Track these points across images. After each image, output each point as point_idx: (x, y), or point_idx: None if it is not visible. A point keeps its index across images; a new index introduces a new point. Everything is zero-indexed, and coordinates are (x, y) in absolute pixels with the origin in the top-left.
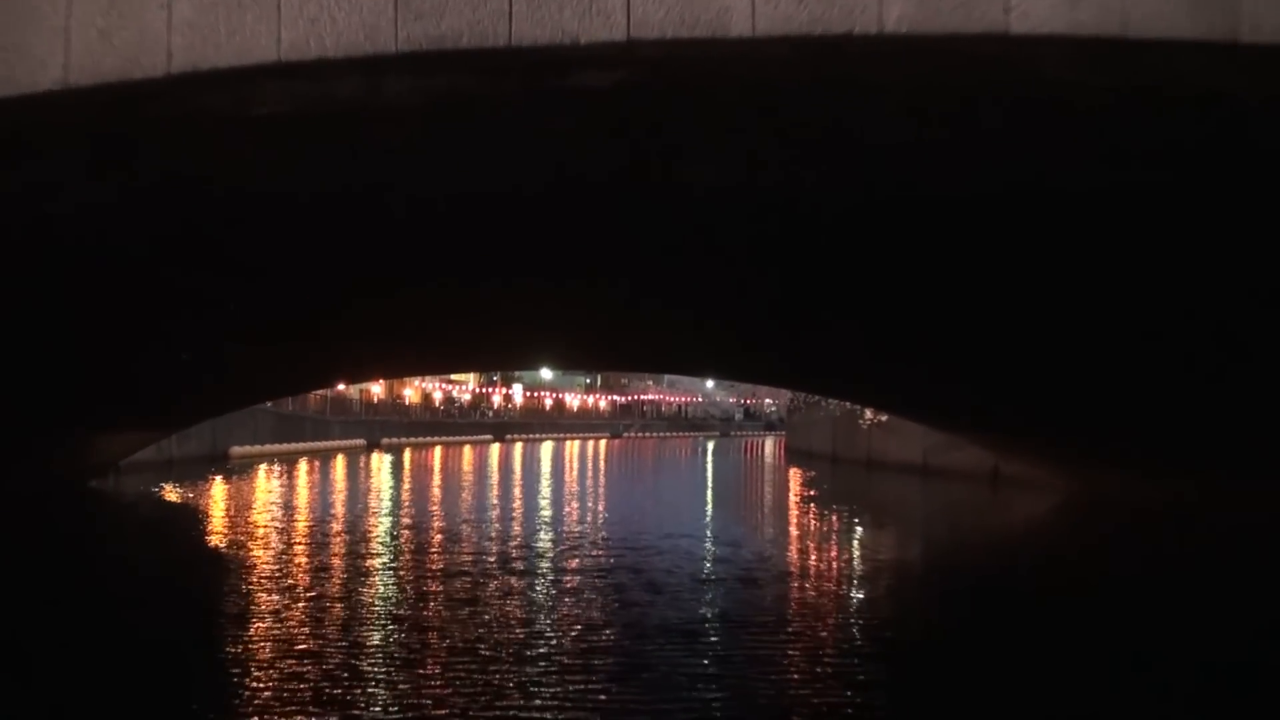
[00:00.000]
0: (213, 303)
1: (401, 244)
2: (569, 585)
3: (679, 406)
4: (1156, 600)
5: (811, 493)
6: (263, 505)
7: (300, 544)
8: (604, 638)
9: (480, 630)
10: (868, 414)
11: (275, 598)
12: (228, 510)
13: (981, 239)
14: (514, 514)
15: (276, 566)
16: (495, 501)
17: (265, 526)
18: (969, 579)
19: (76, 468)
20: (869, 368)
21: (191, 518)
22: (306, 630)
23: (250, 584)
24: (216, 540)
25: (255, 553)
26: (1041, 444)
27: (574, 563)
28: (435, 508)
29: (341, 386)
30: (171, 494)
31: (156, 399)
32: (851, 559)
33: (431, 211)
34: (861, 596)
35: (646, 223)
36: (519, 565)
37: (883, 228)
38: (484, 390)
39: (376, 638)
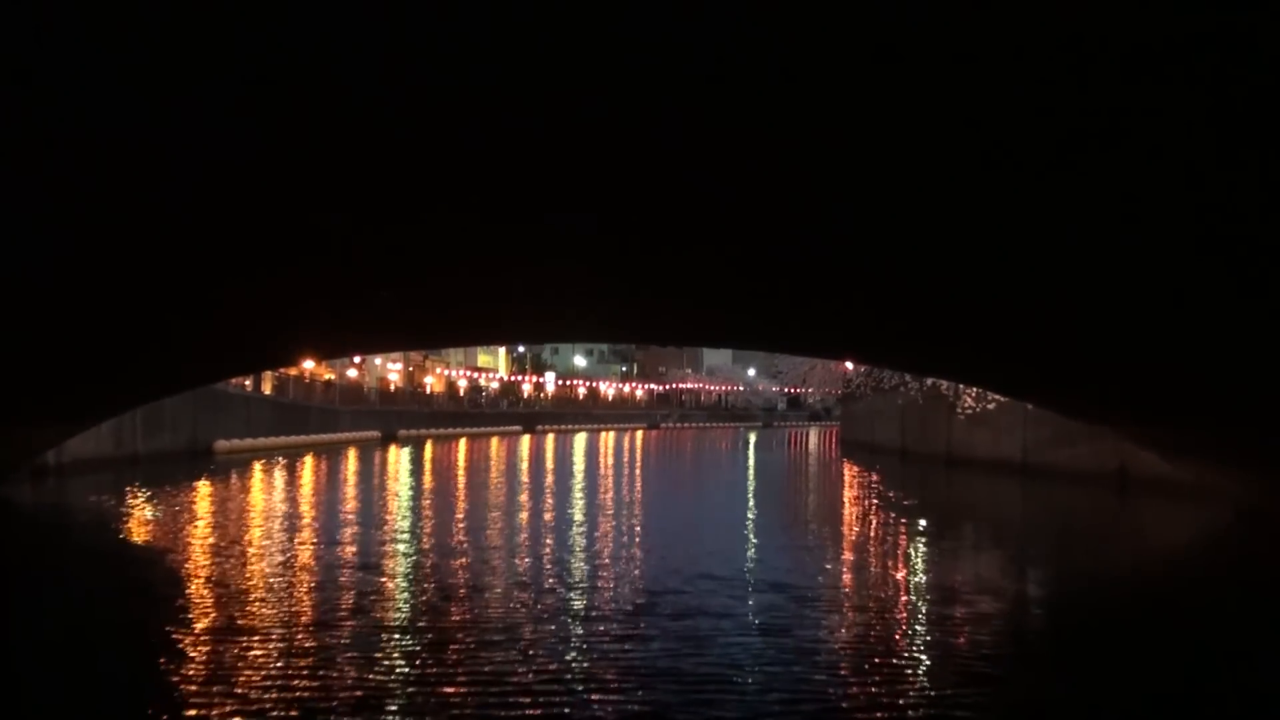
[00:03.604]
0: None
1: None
2: None
3: (719, 395)
4: None
5: (896, 500)
6: (223, 531)
7: (263, 607)
8: None
9: None
10: (967, 399)
11: None
12: (162, 543)
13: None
14: (544, 542)
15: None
16: (524, 521)
17: (206, 586)
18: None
19: None
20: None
21: (82, 569)
22: None
23: None
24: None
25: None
26: (1224, 436)
27: (622, 650)
28: (457, 532)
29: (353, 374)
30: (100, 508)
31: (66, 380)
32: (1032, 637)
33: None
34: None
35: None
36: (542, 667)
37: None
38: (514, 378)
39: None
